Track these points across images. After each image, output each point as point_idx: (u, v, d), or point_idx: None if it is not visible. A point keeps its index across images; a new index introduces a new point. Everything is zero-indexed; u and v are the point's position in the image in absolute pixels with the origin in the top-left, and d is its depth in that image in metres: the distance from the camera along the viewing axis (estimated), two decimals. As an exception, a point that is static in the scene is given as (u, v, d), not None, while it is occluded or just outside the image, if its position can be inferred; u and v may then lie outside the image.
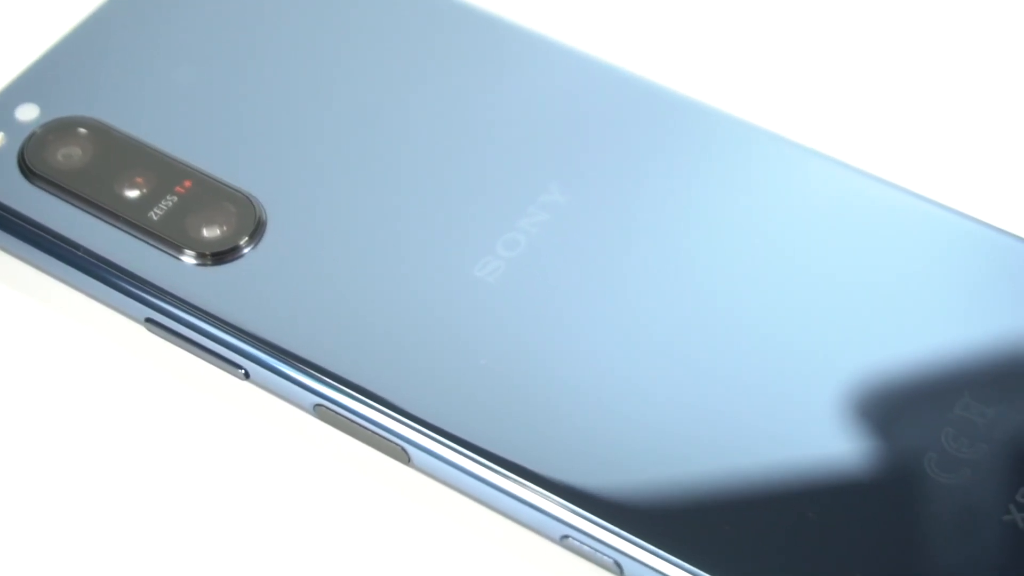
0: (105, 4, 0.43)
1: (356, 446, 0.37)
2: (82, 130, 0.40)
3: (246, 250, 0.39)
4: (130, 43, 0.42)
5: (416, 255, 0.39)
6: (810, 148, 0.40)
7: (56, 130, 0.40)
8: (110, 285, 0.39)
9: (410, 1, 0.43)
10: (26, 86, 0.41)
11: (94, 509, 0.37)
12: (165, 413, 0.38)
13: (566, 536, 0.36)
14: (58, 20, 0.43)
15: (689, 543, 0.35)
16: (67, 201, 0.39)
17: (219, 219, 0.39)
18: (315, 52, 0.42)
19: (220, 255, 0.39)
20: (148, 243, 0.39)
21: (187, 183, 0.40)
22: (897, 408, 0.36)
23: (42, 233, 0.39)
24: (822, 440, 0.36)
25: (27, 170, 0.40)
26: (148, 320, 0.39)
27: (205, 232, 0.39)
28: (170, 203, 0.39)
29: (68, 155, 0.40)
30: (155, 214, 0.39)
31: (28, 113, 0.41)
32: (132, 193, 0.40)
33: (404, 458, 0.37)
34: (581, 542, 0.35)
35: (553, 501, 0.35)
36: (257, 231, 0.39)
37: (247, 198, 0.39)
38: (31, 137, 0.40)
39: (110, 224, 0.39)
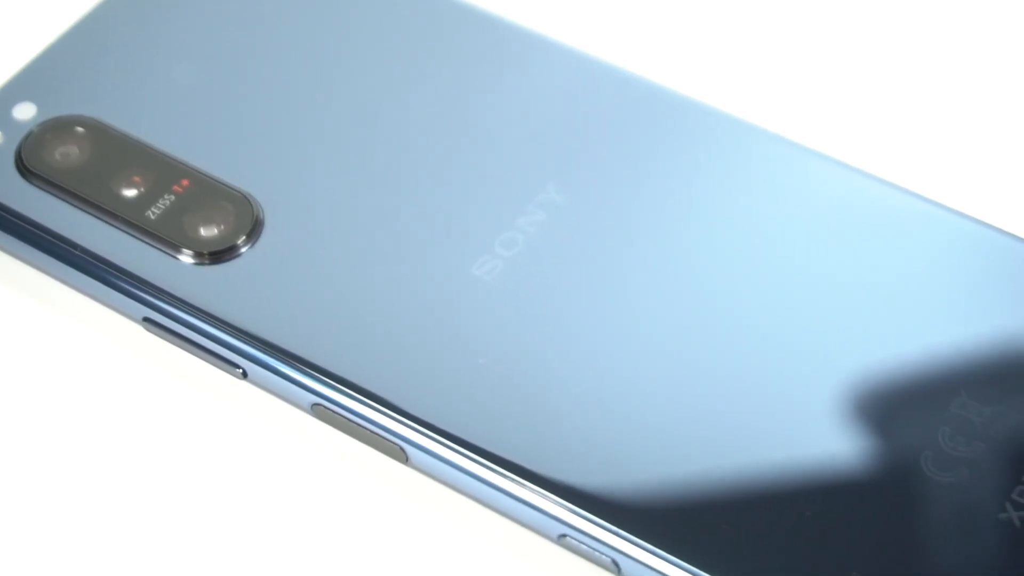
0: (102, 3, 0.43)
1: (354, 445, 0.37)
2: (79, 129, 0.40)
3: (244, 249, 0.39)
4: (128, 42, 0.42)
5: (414, 254, 0.39)
6: (808, 147, 0.40)
7: (53, 129, 0.40)
8: (107, 284, 0.39)
9: (408, 0, 0.43)
10: (23, 85, 0.41)
11: (93, 508, 0.37)
12: (163, 412, 0.38)
13: (564, 535, 0.36)
14: (55, 19, 0.43)
15: (687, 542, 0.35)
16: (64, 200, 0.39)
17: (217, 218, 0.39)
18: (313, 51, 0.42)
19: (217, 254, 0.39)
20: (145, 242, 0.39)
21: (185, 182, 0.40)
22: (894, 407, 0.36)
23: (39, 232, 0.39)
24: (819, 439, 0.36)
25: (24, 169, 0.40)
26: (146, 319, 0.39)
27: (203, 231, 0.39)
28: (167, 202, 0.39)
29: (65, 154, 0.40)
30: (152, 213, 0.39)
31: (25, 112, 0.41)
32: (130, 192, 0.40)
33: (402, 457, 0.37)
34: (579, 541, 0.35)
35: (551, 500, 0.35)
36: (255, 230, 0.39)
37: (245, 197, 0.39)
38: (28, 136, 0.40)
39: (107, 223, 0.39)
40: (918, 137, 0.43)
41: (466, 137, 0.40)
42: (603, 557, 0.35)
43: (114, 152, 0.40)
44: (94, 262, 0.39)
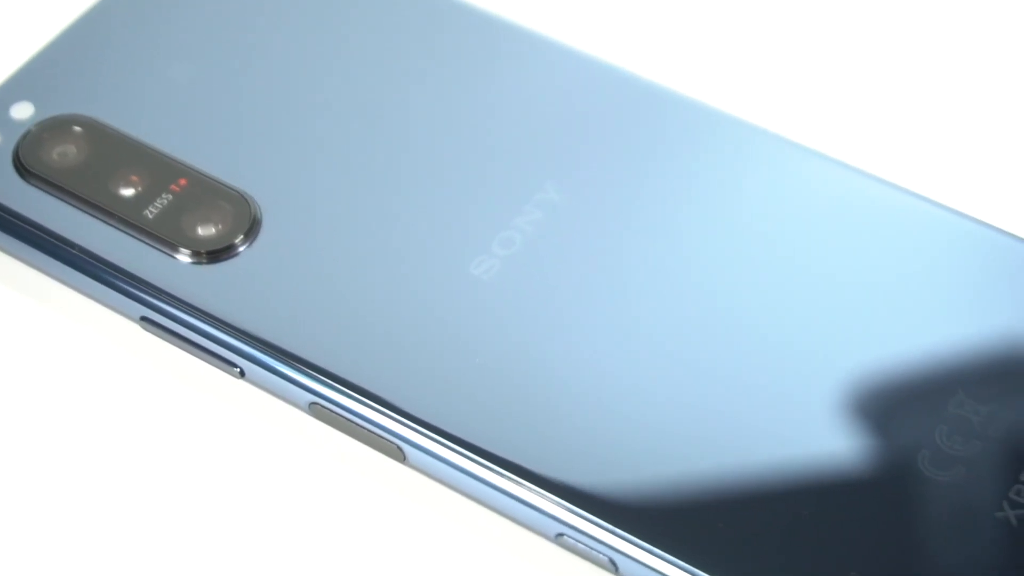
0: (100, 2, 0.43)
1: (351, 444, 0.37)
2: (77, 128, 0.40)
3: (241, 248, 0.39)
4: (125, 41, 0.42)
5: (412, 253, 0.39)
6: (806, 147, 0.40)
7: (51, 128, 0.40)
8: (105, 283, 0.39)
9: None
10: (21, 84, 0.41)
11: (91, 506, 0.37)
12: (160, 411, 0.38)
13: (561, 534, 0.36)
14: (53, 18, 0.43)
15: (684, 541, 0.35)
16: (62, 199, 0.39)
17: (214, 217, 0.39)
18: (310, 50, 0.42)
19: (215, 253, 0.39)
20: (143, 241, 0.39)
21: (182, 181, 0.40)
22: (891, 406, 0.36)
23: (37, 231, 0.39)
24: (816, 437, 0.36)
25: (22, 168, 0.40)
26: (143, 319, 0.39)
27: (200, 230, 0.39)
28: (165, 201, 0.39)
29: (63, 153, 0.40)
30: (150, 212, 0.39)
31: (23, 111, 0.41)
32: (127, 191, 0.40)
33: (399, 456, 0.37)
34: (576, 540, 0.35)
35: (548, 499, 0.35)
36: (252, 229, 0.39)
37: (242, 196, 0.39)
38: (26, 135, 0.40)
39: (105, 222, 0.39)
40: (917, 137, 0.43)
41: (464, 136, 0.40)
42: (600, 556, 0.35)
43: (112, 151, 0.40)
44: (91, 261, 0.39)
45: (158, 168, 0.40)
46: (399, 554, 0.36)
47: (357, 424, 0.37)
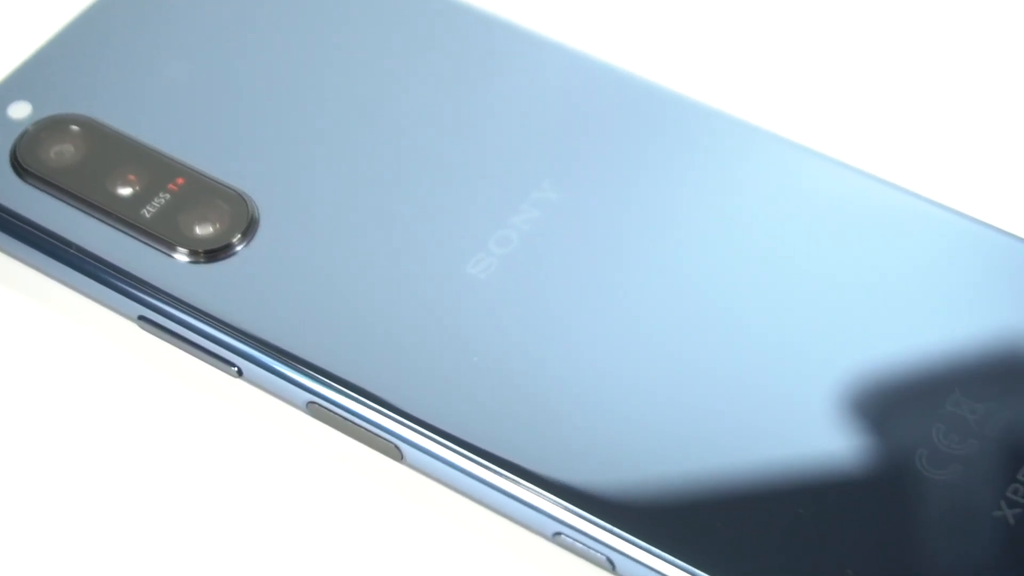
0: (97, 1, 0.43)
1: (349, 443, 0.37)
2: (74, 128, 0.40)
3: (239, 248, 0.39)
4: (122, 40, 0.42)
5: (409, 252, 0.39)
6: (806, 147, 0.40)
7: (48, 128, 0.40)
8: (102, 283, 0.39)
9: (403, -1, 0.43)
10: (18, 83, 0.41)
11: (89, 505, 0.37)
12: (158, 410, 0.38)
13: (558, 533, 0.36)
14: (50, 18, 0.43)
15: (682, 540, 0.35)
16: (60, 199, 0.39)
17: (212, 217, 0.39)
18: (308, 49, 0.42)
19: (213, 253, 0.39)
20: (141, 241, 0.39)
21: (180, 181, 0.40)
22: (888, 405, 0.36)
23: (34, 231, 0.39)
24: (814, 436, 0.36)
25: (19, 168, 0.40)
26: (141, 318, 0.39)
27: (198, 230, 0.39)
28: (163, 201, 0.39)
29: (60, 153, 0.40)
30: (148, 212, 0.39)
31: (20, 111, 0.41)
32: (125, 191, 0.40)
33: (397, 455, 0.37)
34: (574, 539, 0.35)
35: (546, 498, 0.35)
36: (250, 229, 0.39)
37: (240, 196, 0.39)
38: (23, 135, 0.40)
39: (103, 222, 0.39)
40: (917, 137, 0.43)
41: (461, 135, 0.40)
42: (598, 555, 0.35)
43: (109, 151, 0.40)
44: (89, 260, 0.39)
45: (156, 167, 0.40)
46: (397, 553, 0.36)
47: (355, 423, 0.37)
